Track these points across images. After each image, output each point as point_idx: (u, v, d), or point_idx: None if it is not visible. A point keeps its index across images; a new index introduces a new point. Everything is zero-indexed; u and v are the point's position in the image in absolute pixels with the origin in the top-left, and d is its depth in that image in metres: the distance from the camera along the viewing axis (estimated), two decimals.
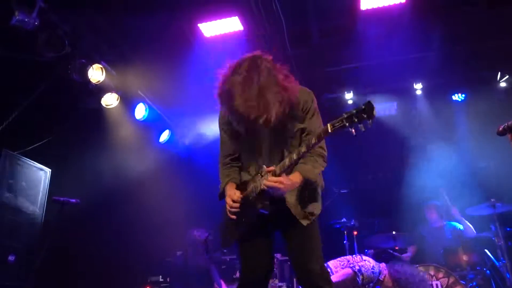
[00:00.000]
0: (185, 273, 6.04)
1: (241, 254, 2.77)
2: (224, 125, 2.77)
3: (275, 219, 2.65)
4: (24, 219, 4.86)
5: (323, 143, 2.62)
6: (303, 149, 2.41)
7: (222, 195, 2.80)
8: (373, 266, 4.68)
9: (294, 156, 2.44)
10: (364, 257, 4.78)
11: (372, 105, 2.14)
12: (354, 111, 2.17)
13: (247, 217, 2.63)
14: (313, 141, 2.36)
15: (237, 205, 2.62)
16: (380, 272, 4.71)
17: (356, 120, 2.16)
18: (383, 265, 4.82)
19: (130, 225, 6.12)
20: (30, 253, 4.61)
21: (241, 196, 2.65)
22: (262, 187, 2.50)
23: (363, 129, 2.18)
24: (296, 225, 2.57)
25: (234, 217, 2.64)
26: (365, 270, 4.61)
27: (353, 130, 2.21)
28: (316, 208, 2.67)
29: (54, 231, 4.01)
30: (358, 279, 4.48)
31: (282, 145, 2.63)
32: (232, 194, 2.65)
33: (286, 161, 2.47)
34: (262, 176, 2.55)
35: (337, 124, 2.23)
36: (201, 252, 6.04)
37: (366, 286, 4.70)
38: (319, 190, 2.73)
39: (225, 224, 2.80)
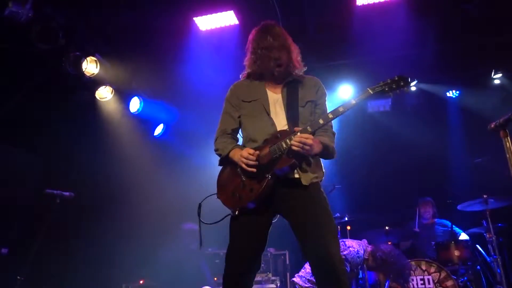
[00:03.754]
0: (177, 267, 6.08)
1: (233, 230, 2.64)
2: (235, 97, 2.84)
3: (283, 194, 2.58)
4: (17, 211, 4.85)
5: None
6: (341, 108, 2.53)
7: (225, 159, 2.73)
8: (357, 250, 4.75)
9: (331, 116, 2.53)
10: (348, 243, 4.81)
11: (406, 77, 2.53)
12: (391, 80, 2.54)
13: (258, 180, 2.53)
14: (353, 102, 2.53)
15: (254, 158, 2.53)
16: (364, 251, 4.79)
17: (394, 86, 2.53)
18: (364, 241, 4.92)
19: (124, 218, 6.12)
20: (23, 246, 4.60)
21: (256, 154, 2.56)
22: (292, 143, 2.47)
23: (398, 92, 2.56)
24: (307, 200, 2.55)
25: (253, 169, 2.53)
26: (351, 257, 4.67)
27: (390, 94, 2.57)
28: (321, 173, 2.71)
29: (47, 224, 4.00)
30: (346, 268, 4.51)
31: (294, 112, 2.69)
32: (246, 150, 2.58)
33: (320, 120, 2.55)
34: (282, 137, 2.55)
35: (377, 88, 2.56)
36: (193, 246, 6.11)
37: (355, 269, 4.77)
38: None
39: (229, 191, 2.66)
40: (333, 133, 2.79)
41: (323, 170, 2.76)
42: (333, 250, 2.44)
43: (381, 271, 4.80)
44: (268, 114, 2.72)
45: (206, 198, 2.79)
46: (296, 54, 2.82)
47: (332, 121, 2.65)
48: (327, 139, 2.68)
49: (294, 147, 2.47)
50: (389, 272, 4.68)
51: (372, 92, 2.57)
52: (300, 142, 2.45)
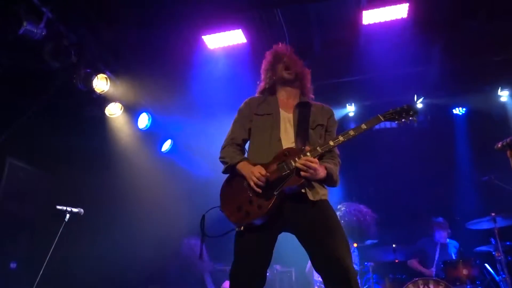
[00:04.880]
0: (181, 281, 6.07)
1: (238, 245, 2.61)
2: (248, 109, 2.91)
3: (289, 209, 2.58)
4: (26, 227, 4.88)
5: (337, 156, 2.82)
6: (352, 132, 2.60)
7: (230, 169, 2.74)
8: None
9: (341, 138, 2.59)
10: None
11: (415, 107, 2.68)
12: (400, 109, 2.67)
13: (266, 197, 2.53)
14: (364, 127, 2.61)
15: (264, 179, 2.55)
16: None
17: (404, 115, 2.65)
18: None
19: (130, 234, 6.13)
20: (32, 261, 4.63)
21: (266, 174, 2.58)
22: (297, 164, 2.50)
23: (408, 122, 2.68)
24: (316, 213, 2.54)
25: (259, 190, 2.54)
26: None
27: (400, 122, 2.68)
28: (326, 192, 2.71)
29: (56, 239, 4.03)
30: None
31: (303, 132, 2.73)
32: (258, 168, 2.58)
33: (331, 142, 2.59)
34: (290, 155, 2.58)
35: (387, 115, 2.68)
36: (196, 260, 6.12)
37: None
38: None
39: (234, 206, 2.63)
40: (339, 162, 2.81)
41: (327, 189, 2.77)
42: (347, 262, 2.42)
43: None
44: (278, 130, 2.75)
45: (209, 210, 2.76)
46: (307, 75, 2.98)
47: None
48: (333, 166, 2.70)
49: (298, 167, 2.49)
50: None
51: (383, 119, 2.67)
52: (305, 165, 2.48)
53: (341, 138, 2.59)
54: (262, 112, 2.85)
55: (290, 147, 2.66)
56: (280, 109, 2.85)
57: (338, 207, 5.64)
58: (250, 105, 2.93)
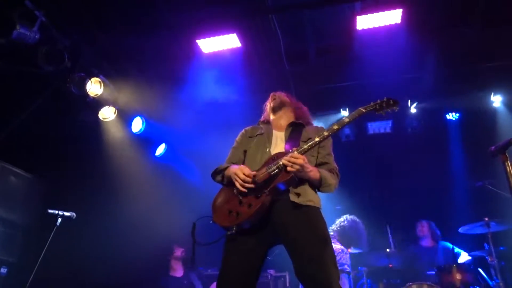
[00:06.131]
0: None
1: (227, 253, 2.62)
2: (244, 136, 3.07)
3: (277, 218, 2.59)
4: (18, 231, 4.84)
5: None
6: (336, 126, 2.68)
7: (218, 173, 2.83)
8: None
9: (326, 133, 2.66)
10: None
11: (394, 99, 2.76)
12: (381, 101, 2.76)
13: (256, 196, 2.56)
14: (346, 120, 2.70)
15: (250, 180, 2.59)
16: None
17: (384, 106, 2.75)
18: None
19: (124, 240, 6.09)
20: (23, 266, 4.58)
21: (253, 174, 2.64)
22: (283, 160, 2.55)
23: (390, 112, 2.78)
24: (304, 227, 2.53)
25: (245, 190, 2.59)
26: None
27: (382, 113, 2.77)
28: (317, 200, 2.71)
29: (48, 244, 3.99)
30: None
31: (294, 144, 2.79)
32: (242, 169, 2.65)
33: (316, 138, 2.66)
34: (278, 158, 2.63)
35: (369, 107, 2.76)
36: (187, 266, 6.19)
37: None
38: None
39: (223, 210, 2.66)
40: (337, 174, 2.86)
41: (319, 198, 2.77)
42: (331, 278, 2.40)
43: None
44: (269, 145, 2.87)
45: (200, 218, 2.76)
46: (301, 104, 3.20)
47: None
48: (327, 173, 2.74)
49: (284, 163, 2.54)
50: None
51: (364, 111, 2.76)
52: (289, 160, 2.52)
53: (325, 133, 2.67)
54: (255, 134, 3.02)
55: (279, 152, 2.74)
56: (273, 130, 3.01)
57: (341, 219, 5.68)
58: (247, 132, 3.10)
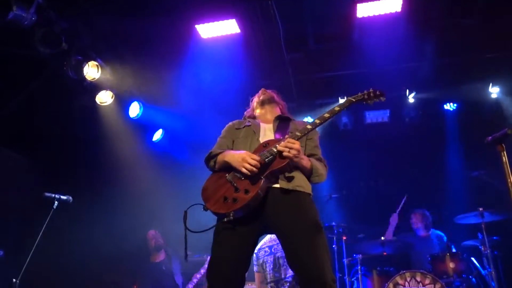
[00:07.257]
0: (163, 275, 6.13)
1: (218, 241, 2.62)
2: (231, 127, 3.07)
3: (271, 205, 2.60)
4: (14, 214, 4.84)
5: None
6: (327, 114, 2.73)
7: (211, 158, 2.82)
8: None
9: (318, 121, 2.71)
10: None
11: (381, 90, 2.87)
12: (368, 92, 2.87)
13: (252, 182, 2.56)
14: (336, 108, 2.77)
15: (259, 163, 2.55)
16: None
17: (372, 95, 2.86)
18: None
19: (121, 225, 6.12)
20: (19, 248, 4.60)
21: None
22: (279, 147, 2.56)
23: (377, 101, 2.89)
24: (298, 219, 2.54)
25: (256, 170, 2.53)
26: None
27: (370, 103, 2.88)
28: (307, 186, 2.74)
29: (44, 227, 3.99)
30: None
31: (283, 134, 2.83)
32: (249, 153, 2.63)
33: (308, 126, 2.72)
34: (269, 145, 2.66)
35: (358, 97, 2.88)
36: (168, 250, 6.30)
37: None
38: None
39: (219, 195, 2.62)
40: (326, 166, 2.91)
41: (310, 185, 2.78)
42: (323, 264, 2.42)
43: None
44: (258, 134, 2.90)
45: (192, 206, 2.69)
46: (284, 104, 3.30)
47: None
48: (318, 164, 2.81)
49: (280, 149, 2.54)
50: None
51: (354, 100, 2.87)
52: (286, 146, 2.53)
53: (317, 121, 2.72)
54: (242, 126, 3.04)
55: (269, 139, 2.76)
56: (260, 122, 3.06)
57: None
58: (233, 124, 3.11)
